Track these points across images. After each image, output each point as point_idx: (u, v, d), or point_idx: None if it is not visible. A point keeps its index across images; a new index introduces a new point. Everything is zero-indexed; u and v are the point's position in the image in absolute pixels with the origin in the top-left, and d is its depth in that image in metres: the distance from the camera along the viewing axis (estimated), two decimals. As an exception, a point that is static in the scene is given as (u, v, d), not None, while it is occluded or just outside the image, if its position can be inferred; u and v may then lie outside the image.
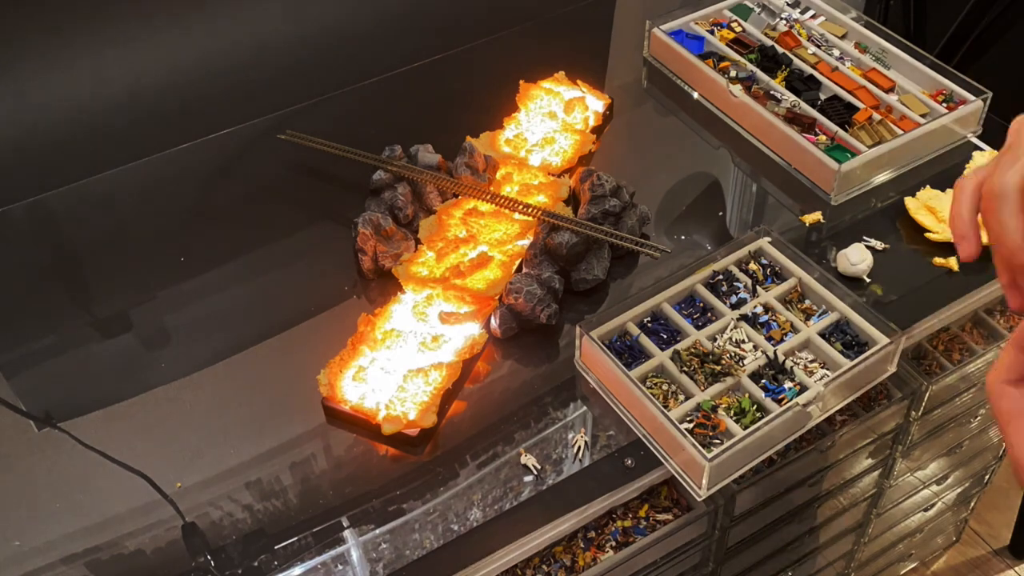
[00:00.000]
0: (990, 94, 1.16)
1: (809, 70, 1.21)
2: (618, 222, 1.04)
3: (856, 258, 1.02)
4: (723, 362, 0.91)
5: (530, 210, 1.04)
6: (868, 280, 1.02)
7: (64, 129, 1.19)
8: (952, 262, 1.03)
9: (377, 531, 0.84)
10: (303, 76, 1.30)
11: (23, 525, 0.86)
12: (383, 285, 1.04)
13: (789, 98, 1.18)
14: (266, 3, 1.27)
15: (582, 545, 0.92)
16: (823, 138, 1.13)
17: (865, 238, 1.06)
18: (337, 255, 1.07)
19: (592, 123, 1.21)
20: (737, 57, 1.24)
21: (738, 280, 0.99)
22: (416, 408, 0.90)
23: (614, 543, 0.91)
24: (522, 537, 0.83)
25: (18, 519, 0.86)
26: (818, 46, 1.26)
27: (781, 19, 1.31)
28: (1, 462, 0.91)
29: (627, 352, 0.93)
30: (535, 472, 0.87)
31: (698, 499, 0.86)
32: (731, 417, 0.87)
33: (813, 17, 1.31)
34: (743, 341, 0.94)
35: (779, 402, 0.88)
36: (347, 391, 0.92)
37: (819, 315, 0.97)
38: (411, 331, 0.97)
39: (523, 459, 0.88)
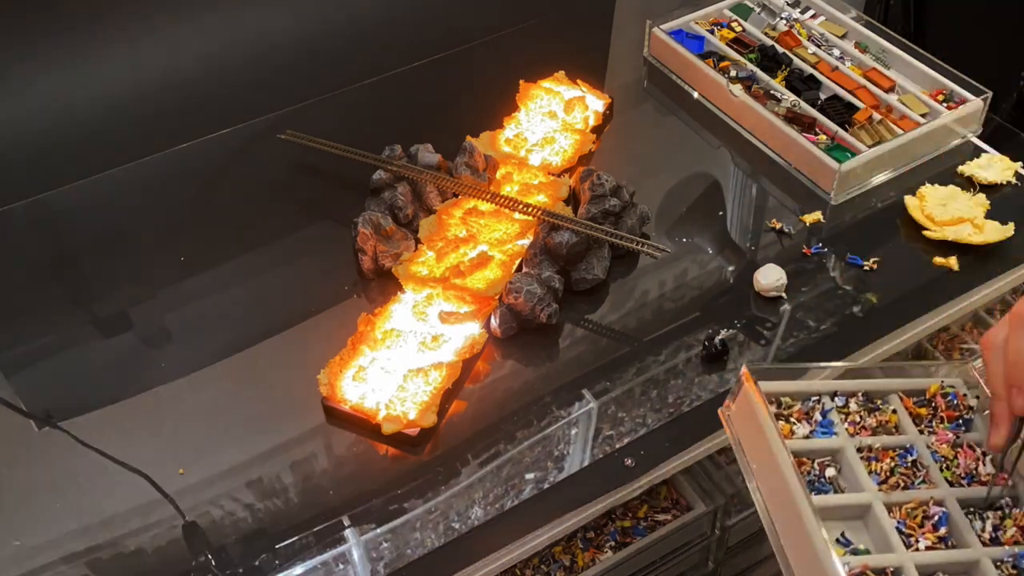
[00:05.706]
0: (990, 93, 1.16)
1: (809, 70, 1.21)
2: (618, 222, 1.04)
3: (770, 279, 0.99)
4: None
5: (530, 210, 1.04)
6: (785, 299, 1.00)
7: (64, 129, 1.19)
8: (952, 262, 1.03)
9: (377, 531, 0.84)
10: (303, 76, 1.30)
11: (23, 524, 0.86)
12: (383, 285, 1.04)
13: (789, 98, 1.18)
14: (266, 3, 1.27)
15: (581, 545, 0.92)
16: (823, 138, 1.13)
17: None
18: (337, 255, 1.07)
19: (592, 123, 1.21)
20: (737, 57, 1.24)
21: None
22: (416, 408, 0.90)
23: (613, 543, 0.92)
24: (521, 537, 0.83)
25: (18, 518, 0.86)
26: (818, 46, 1.26)
27: (781, 19, 1.31)
28: (1, 461, 0.91)
29: None
30: (535, 472, 0.87)
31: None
32: None
33: (813, 17, 1.31)
34: None
35: None
36: (347, 391, 0.92)
37: None
38: (411, 331, 0.97)
39: (523, 459, 0.88)
